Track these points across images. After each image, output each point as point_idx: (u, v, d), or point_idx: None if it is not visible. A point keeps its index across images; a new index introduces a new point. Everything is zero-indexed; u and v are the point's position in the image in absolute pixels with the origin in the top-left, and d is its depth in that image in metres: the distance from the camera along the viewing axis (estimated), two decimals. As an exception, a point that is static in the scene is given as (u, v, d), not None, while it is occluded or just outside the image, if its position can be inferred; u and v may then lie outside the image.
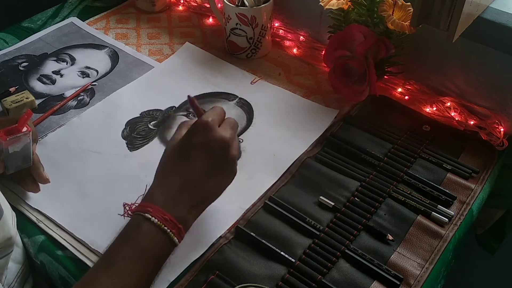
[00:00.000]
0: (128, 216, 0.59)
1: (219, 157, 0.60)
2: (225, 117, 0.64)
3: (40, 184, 0.71)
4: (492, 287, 1.09)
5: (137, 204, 0.60)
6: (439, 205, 0.71)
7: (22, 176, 0.70)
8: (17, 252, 0.67)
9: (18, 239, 0.68)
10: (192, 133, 0.61)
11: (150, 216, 0.55)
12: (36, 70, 0.94)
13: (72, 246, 0.66)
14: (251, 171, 0.76)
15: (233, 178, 0.64)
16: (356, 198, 0.71)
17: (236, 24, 0.92)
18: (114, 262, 0.54)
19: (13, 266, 0.66)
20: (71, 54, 0.98)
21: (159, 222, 0.55)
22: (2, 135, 0.65)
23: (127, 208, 0.62)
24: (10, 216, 0.63)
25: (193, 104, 0.63)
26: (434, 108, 0.86)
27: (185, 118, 0.85)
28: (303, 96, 0.89)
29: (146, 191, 0.61)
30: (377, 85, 0.83)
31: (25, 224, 0.69)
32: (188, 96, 0.63)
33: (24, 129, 0.67)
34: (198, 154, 0.59)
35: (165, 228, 0.55)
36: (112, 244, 0.56)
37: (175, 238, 0.56)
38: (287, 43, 1.00)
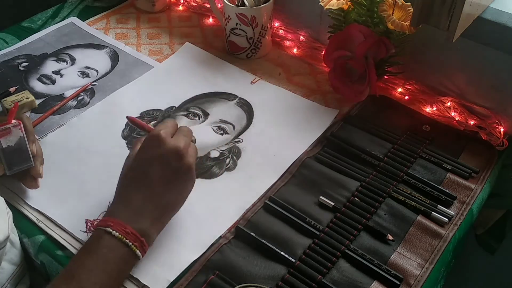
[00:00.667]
0: (89, 232, 0.60)
1: (175, 167, 0.61)
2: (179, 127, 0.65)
3: (40, 184, 0.71)
4: (492, 287, 1.09)
5: (99, 220, 0.60)
6: (439, 205, 0.71)
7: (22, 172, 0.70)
8: (13, 253, 0.67)
9: (16, 240, 0.67)
10: (146, 147, 0.61)
11: (111, 230, 0.56)
12: (36, 70, 0.94)
13: (72, 246, 0.66)
14: (251, 171, 0.76)
15: (193, 185, 0.64)
16: (356, 198, 0.71)
17: (236, 24, 0.92)
18: (76, 274, 0.54)
19: (8, 267, 0.66)
20: (71, 54, 0.98)
21: (120, 235, 0.56)
22: None
23: (89, 224, 0.62)
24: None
25: (134, 122, 0.63)
26: (434, 108, 0.86)
27: (185, 118, 0.85)
28: (303, 96, 0.89)
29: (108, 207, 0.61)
30: (377, 85, 0.83)
31: (25, 224, 0.69)
32: (127, 117, 0.65)
33: (14, 121, 0.68)
34: (154, 167, 0.60)
35: (127, 241, 0.56)
36: (74, 257, 0.57)
37: (138, 251, 0.57)
38: (287, 43, 1.00)
